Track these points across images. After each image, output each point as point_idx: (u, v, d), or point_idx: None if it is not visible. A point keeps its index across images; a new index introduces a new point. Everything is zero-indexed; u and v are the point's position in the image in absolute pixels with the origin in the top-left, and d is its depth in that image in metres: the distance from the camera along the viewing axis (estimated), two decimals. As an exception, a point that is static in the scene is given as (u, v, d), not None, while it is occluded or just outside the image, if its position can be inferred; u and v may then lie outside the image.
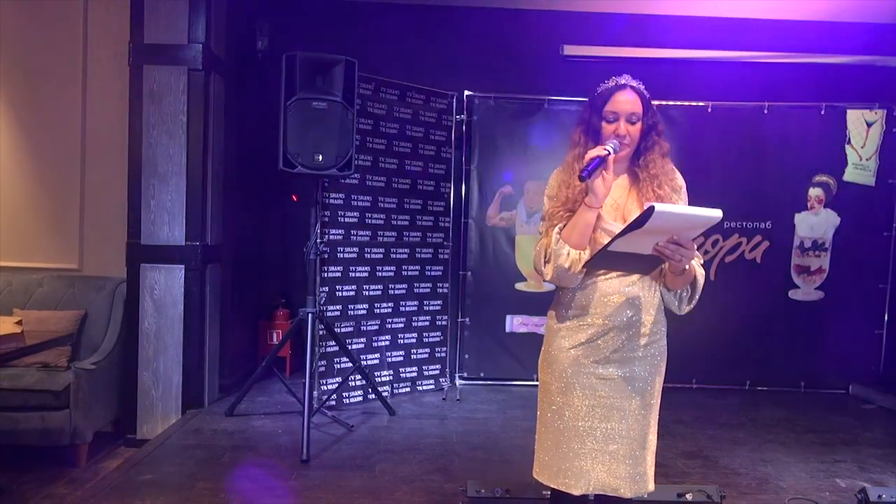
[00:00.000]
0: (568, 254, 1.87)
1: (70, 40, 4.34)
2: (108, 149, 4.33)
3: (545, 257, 1.93)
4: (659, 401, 2.04)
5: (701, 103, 5.08)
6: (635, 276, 1.94)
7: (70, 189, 4.38)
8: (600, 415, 1.94)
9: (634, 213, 1.87)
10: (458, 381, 5.01)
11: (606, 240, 1.84)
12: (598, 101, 1.96)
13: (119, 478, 3.13)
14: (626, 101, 1.92)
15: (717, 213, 1.65)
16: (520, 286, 5.10)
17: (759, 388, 5.14)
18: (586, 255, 1.87)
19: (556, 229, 1.93)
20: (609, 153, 1.82)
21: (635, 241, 1.69)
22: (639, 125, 1.93)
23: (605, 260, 1.83)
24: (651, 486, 2.00)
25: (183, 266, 4.07)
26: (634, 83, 1.96)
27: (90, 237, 4.40)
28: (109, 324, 4.15)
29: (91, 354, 4.00)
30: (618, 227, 1.87)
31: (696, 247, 1.82)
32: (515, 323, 5.12)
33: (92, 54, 4.36)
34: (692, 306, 2.00)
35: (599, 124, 1.95)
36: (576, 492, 1.93)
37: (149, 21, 4.02)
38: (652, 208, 1.56)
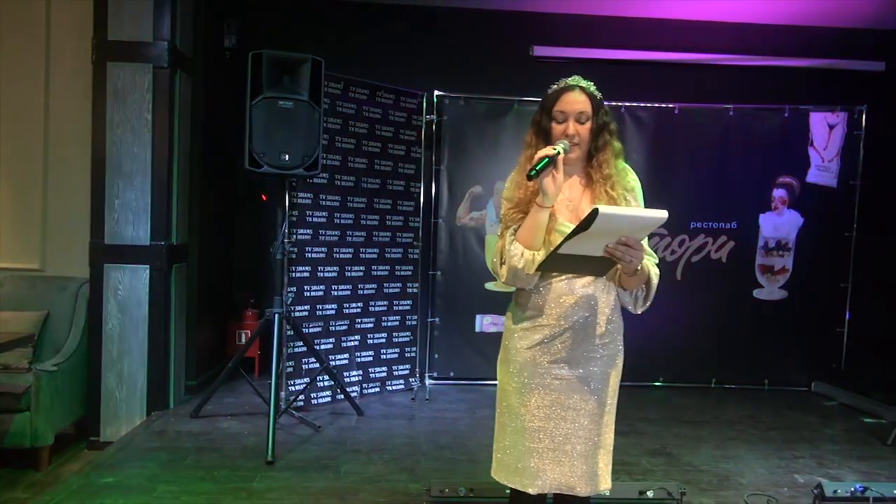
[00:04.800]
0: (521, 254, 1.89)
1: (32, 36, 4.27)
2: (72, 147, 4.26)
3: (500, 259, 1.95)
4: (616, 400, 2.06)
5: (668, 105, 5.13)
6: (590, 277, 1.95)
7: (32, 187, 4.31)
8: (556, 415, 1.95)
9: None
10: (427, 381, 5.01)
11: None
12: (547, 102, 1.97)
13: (80, 481, 3.08)
14: (575, 100, 1.93)
15: (662, 214, 1.67)
16: (490, 286, 5.11)
17: (725, 386, 5.22)
18: (540, 256, 1.88)
19: (511, 231, 1.95)
20: (558, 153, 1.83)
21: (585, 244, 1.71)
22: (588, 125, 1.94)
23: (558, 263, 1.85)
24: (608, 485, 2.02)
25: (148, 266, 4.02)
26: (584, 84, 1.96)
27: (53, 237, 4.33)
28: (72, 325, 4.10)
29: (53, 356, 3.94)
30: (572, 227, 1.89)
31: (644, 247, 1.85)
32: (485, 322, 5.14)
33: (55, 50, 4.29)
34: (647, 306, 2.01)
35: (549, 125, 1.96)
36: (532, 491, 1.94)
37: (113, 18, 3.97)
38: (596, 210, 1.58)
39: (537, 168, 1.79)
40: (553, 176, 1.83)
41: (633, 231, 1.73)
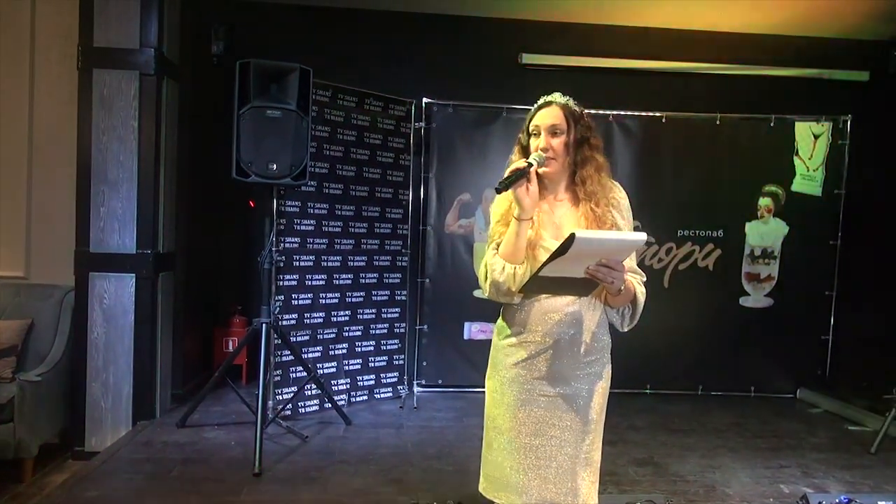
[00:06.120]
0: (503, 268, 1.91)
1: (17, 41, 4.23)
2: (57, 154, 4.22)
3: (485, 274, 1.97)
4: (603, 417, 2.06)
5: (655, 114, 5.16)
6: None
7: (16, 194, 4.26)
8: (543, 432, 1.96)
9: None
10: (415, 389, 5.01)
11: (545, 257, 1.86)
12: (527, 120, 2.04)
13: (63, 495, 3.05)
14: (548, 115, 1.98)
15: (640, 237, 1.70)
16: (478, 293, 5.09)
17: (712, 393, 5.25)
18: (521, 270, 1.90)
19: (494, 245, 1.98)
20: (531, 165, 1.87)
21: (566, 266, 1.72)
22: (562, 138, 1.96)
23: (541, 285, 1.86)
24: (594, 501, 2.02)
25: (134, 274, 3.99)
26: (562, 100, 2.00)
27: (37, 244, 4.29)
28: (57, 333, 4.05)
29: (38, 365, 3.90)
30: (556, 245, 1.89)
31: (631, 266, 1.88)
32: (474, 330, 5.14)
33: (40, 56, 4.25)
34: (634, 324, 2.03)
35: (527, 140, 2.02)
36: (517, 507, 1.95)
37: (99, 24, 3.94)
38: (573, 236, 1.59)
39: (507, 180, 1.82)
40: (527, 188, 1.86)
41: (612, 253, 1.74)
